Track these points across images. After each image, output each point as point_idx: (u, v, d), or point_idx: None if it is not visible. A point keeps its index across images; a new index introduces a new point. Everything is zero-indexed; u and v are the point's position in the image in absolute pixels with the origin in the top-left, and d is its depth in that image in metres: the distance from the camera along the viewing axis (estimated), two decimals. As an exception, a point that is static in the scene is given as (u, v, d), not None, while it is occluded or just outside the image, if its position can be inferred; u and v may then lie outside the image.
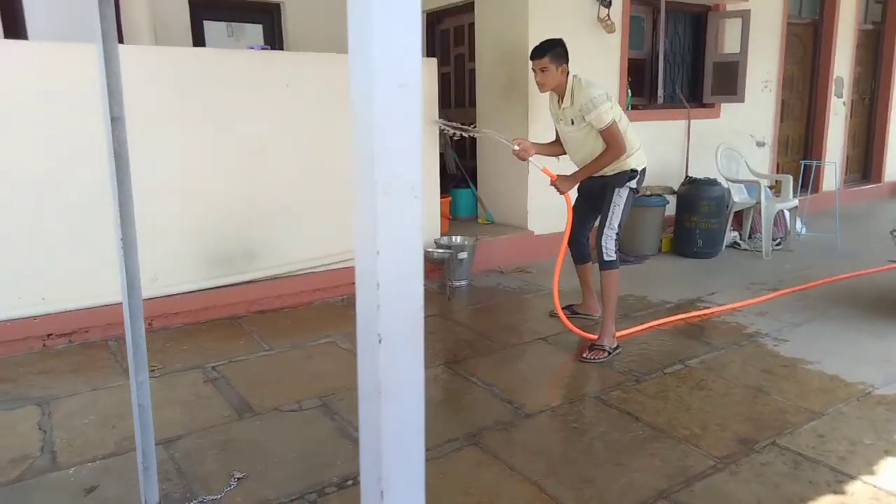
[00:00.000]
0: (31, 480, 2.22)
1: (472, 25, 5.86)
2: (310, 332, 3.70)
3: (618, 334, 3.47)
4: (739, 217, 5.87)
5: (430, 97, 4.71)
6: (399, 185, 0.59)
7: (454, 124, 3.36)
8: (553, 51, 3.29)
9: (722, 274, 4.94)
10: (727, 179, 5.77)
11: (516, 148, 3.42)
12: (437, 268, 4.67)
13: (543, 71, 3.32)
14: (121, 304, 3.70)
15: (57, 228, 3.44)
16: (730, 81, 6.45)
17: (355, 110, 0.58)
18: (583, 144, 3.42)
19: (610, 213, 3.37)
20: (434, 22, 6.70)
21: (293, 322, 3.89)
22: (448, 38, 6.61)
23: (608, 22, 5.42)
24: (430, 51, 6.80)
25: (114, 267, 3.63)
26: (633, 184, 3.39)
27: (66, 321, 3.47)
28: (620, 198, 3.38)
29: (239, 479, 2.22)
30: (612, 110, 3.27)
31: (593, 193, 3.51)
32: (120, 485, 2.19)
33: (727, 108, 6.69)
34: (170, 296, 3.80)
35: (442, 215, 5.15)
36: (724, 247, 5.60)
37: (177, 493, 2.15)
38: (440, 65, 6.97)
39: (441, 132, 6.34)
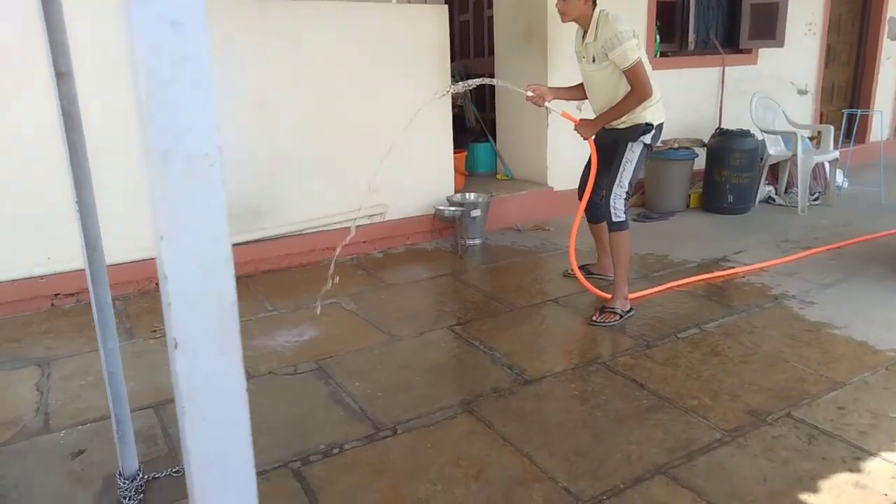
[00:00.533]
0: (20, 443, 2.22)
1: (492, -31, 5.57)
2: (314, 292, 3.63)
3: (632, 296, 3.32)
4: (775, 170, 5.55)
5: (440, 48, 4.49)
6: (186, 153, 0.46)
7: (461, 85, 3.15)
8: None
9: (752, 231, 4.68)
10: (762, 130, 5.44)
11: (530, 94, 3.19)
12: (449, 226, 4.54)
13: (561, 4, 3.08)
14: (126, 263, 3.69)
15: (59, 186, 3.40)
16: (769, 25, 6.01)
17: (129, 57, 0.45)
18: (604, 86, 3.17)
19: (620, 170, 3.16)
20: (454, -34, 6.39)
21: (299, 282, 3.83)
22: (468, -17, 6.31)
23: (636, -39, 5.07)
24: (450, -3, 6.50)
25: (118, 225, 3.62)
26: (647, 139, 3.16)
27: (73, 281, 3.47)
28: (633, 153, 3.15)
29: (224, 445, 2.18)
30: (638, 49, 3.00)
31: (605, 148, 3.29)
32: (107, 449, 2.17)
33: (765, 54, 6.27)
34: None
35: (457, 171, 4.98)
36: (757, 202, 5.32)
37: (160, 460, 2.12)
38: (459, 12, 6.68)
39: (452, 81, 6.13)
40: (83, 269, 3.50)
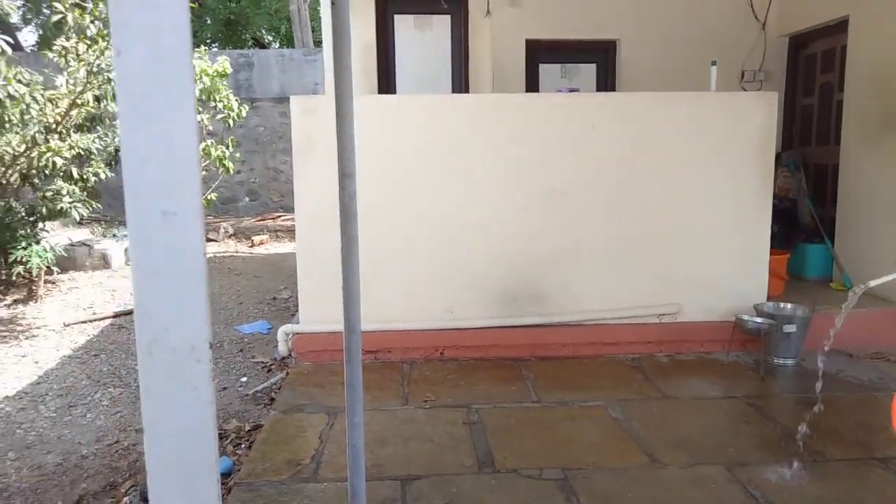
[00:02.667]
0: (292, 485, 2.53)
1: (844, 49, 4.85)
2: (583, 389, 3.47)
3: None
4: None
5: (764, 139, 4.02)
6: (171, 346, 0.43)
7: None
8: None
9: None
10: None
11: None
12: (754, 339, 3.93)
13: None
14: (418, 331, 4.04)
15: (374, 257, 3.92)
16: None
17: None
18: None
19: None
20: (798, 46, 5.75)
21: (571, 374, 3.70)
22: (814, 65, 5.59)
23: None
24: (790, 79, 5.86)
25: (413, 299, 3.99)
26: None
27: (374, 340, 3.91)
28: None
29: (449, 540, 2.16)
30: None
31: None
32: (352, 512, 2.33)
33: None
34: (461, 329, 4.00)
35: (774, 274, 4.34)
36: None
37: (389, 538, 2.19)
38: (803, 95, 5.96)
39: (785, 171, 5.40)
40: (381, 331, 3.96)
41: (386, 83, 5.95)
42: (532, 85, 5.98)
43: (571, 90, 4.83)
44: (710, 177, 4.05)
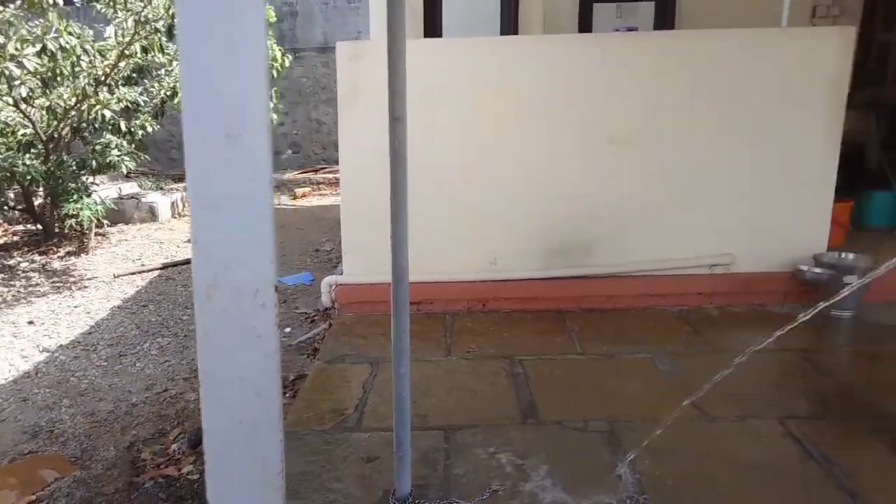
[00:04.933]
0: (335, 435, 2.55)
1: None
2: (630, 341, 3.39)
3: None
4: None
5: (836, 78, 3.74)
6: (233, 288, 0.37)
7: None
8: None
9: None
10: None
11: None
12: (811, 290, 3.76)
13: None
14: (461, 282, 4.00)
15: (416, 209, 3.86)
16: None
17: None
18: None
19: None
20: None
21: (617, 327, 3.62)
22: (893, -3, 5.19)
23: None
24: (868, 12, 5.45)
25: (455, 249, 3.94)
26: None
27: (417, 291, 3.88)
28: None
29: (493, 491, 2.15)
30: None
31: None
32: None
33: None
34: (505, 280, 3.94)
35: (836, 223, 4.12)
36: None
37: (433, 486, 2.19)
38: (882, 31, 5.54)
39: (855, 113, 5.07)
40: (424, 282, 3.93)
41: (432, 27, 5.77)
42: (585, 25, 5.74)
43: (630, 29, 4.59)
44: (774, 121, 3.81)
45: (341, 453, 2.42)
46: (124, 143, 6.75)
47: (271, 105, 7.85)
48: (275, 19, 7.61)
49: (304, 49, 12.01)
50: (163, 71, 7.15)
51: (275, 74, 7.85)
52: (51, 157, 6.42)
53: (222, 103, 0.51)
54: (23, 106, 6.26)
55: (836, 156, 3.91)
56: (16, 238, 6.87)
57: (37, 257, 6.10)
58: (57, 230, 6.77)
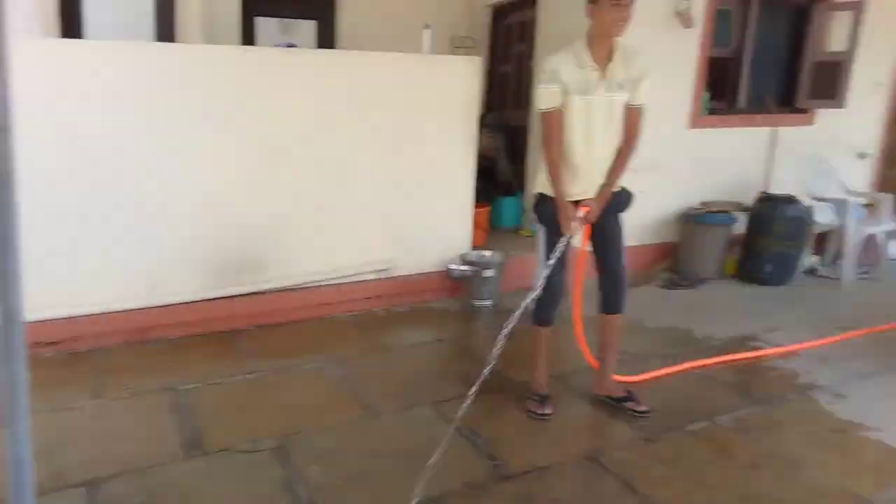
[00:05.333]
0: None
1: (534, 21, 5.41)
2: (303, 352, 3.43)
3: (643, 376, 3.01)
4: (823, 240, 5.11)
5: (468, 100, 4.32)
6: None
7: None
8: None
9: (789, 306, 4.26)
10: (811, 197, 5.02)
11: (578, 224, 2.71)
12: (459, 285, 4.29)
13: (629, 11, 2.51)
14: (115, 312, 3.57)
15: (53, 231, 3.34)
16: (831, 84, 5.55)
17: None
18: (611, 123, 2.61)
19: (622, 235, 2.84)
20: (500, 16, 6.32)
21: (291, 339, 3.63)
22: (512, 34, 6.19)
23: (687, 15, 4.74)
24: (493, 46, 6.42)
25: (107, 275, 3.52)
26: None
27: (55, 329, 3.36)
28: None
29: (148, 538, 1.97)
30: None
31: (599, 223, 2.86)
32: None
33: (824, 115, 5.80)
34: (169, 305, 3.64)
35: (478, 227, 4.75)
36: (798, 274, 4.87)
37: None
38: (502, 63, 6.55)
39: (487, 132, 5.90)
40: (64, 318, 3.41)
41: (70, 26, 5.05)
42: (248, 39, 5.65)
43: (289, 45, 4.64)
44: (423, 136, 4.23)
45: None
46: None
47: None
48: None
49: None
50: None
51: None
52: None
53: None
54: None
55: (473, 166, 4.51)
56: None
57: None
58: None
